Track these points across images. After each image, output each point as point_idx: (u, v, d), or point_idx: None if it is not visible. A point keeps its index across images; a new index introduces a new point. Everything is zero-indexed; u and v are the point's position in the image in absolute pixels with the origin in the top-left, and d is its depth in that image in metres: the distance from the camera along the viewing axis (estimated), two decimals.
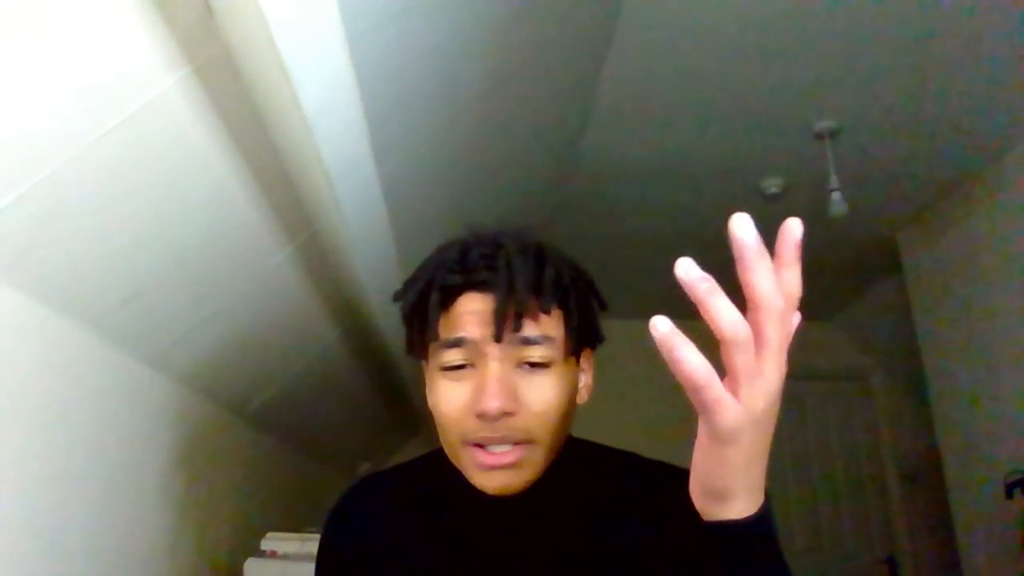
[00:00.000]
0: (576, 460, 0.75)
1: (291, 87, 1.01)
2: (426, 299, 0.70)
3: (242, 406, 2.09)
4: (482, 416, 0.65)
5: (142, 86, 1.00)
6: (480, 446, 0.67)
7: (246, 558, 1.67)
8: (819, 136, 2.51)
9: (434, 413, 0.71)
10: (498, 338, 0.66)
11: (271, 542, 1.73)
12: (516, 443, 0.67)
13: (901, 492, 4.05)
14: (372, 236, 1.65)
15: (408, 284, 0.74)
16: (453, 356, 0.68)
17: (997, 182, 2.69)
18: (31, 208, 0.99)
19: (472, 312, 0.68)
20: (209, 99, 1.11)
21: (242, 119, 1.19)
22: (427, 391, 0.72)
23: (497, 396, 0.65)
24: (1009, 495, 2.49)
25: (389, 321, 2.15)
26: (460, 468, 0.70)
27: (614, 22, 2.02)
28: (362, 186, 1.44)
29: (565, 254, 0.78)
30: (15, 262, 1.04)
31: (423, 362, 0.74)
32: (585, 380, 0.78)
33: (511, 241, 0.72)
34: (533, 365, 0.68)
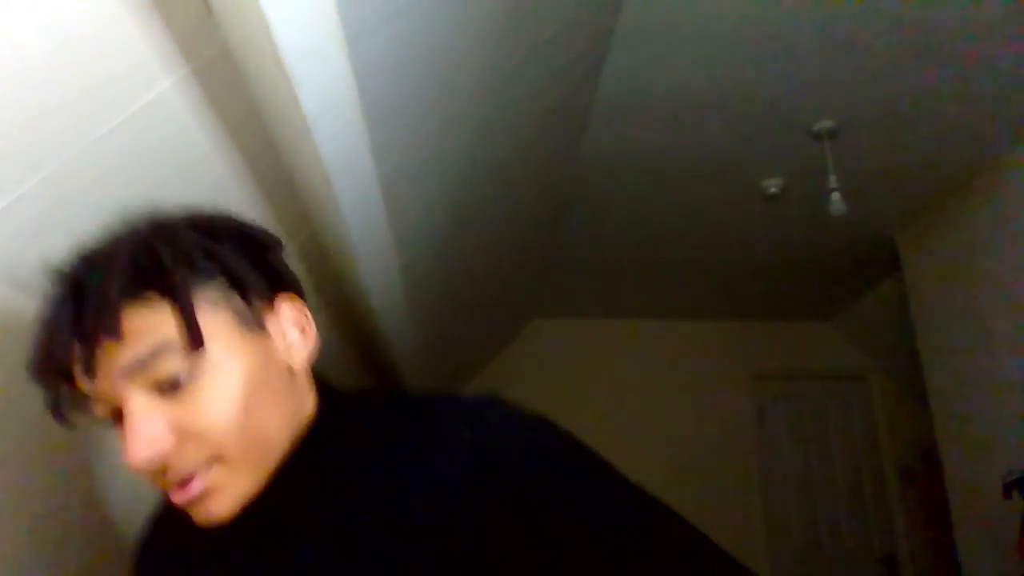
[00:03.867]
0: (323, 435, 0.63)
1: (291, 87, 1.01)
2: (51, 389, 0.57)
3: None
4: (137, 472, 0.54)
5: (142, 86, 1.00)
6: (164, 491, 0.57)
7: None
8: (819, 136, 2.51)
9: None
10: (121, 368, 0.53)
11: None
12: (197, 472, 0.55)
13: (901, 491, 4.05)
14: (371, 236, 1.65)
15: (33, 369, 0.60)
16: (98, 413, 0.56)
17: (997, 182, 2.69)
18: (31, 208, 0.99)
19: (78, 361, 0.55)
20: (209, 99, 1.11)
21: (242, 119, 1.19)
22: None
23: (139, 449, 0.53)
24: (1007, 495, 2.49)
25: (389, 321, 2.15)
26: None
27: (614, 22, 2.02)
28: (362, 186, 1.44)
29: (191, 220, 0.60)
30: (15, 262, 1.04)
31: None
32: (292, 335, 0.62)
33: (71, 278, 0.57)
34: (170, 387, 0.54)
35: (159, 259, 0.55)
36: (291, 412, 0.61)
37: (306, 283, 1.90)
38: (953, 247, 2.94)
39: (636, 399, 4.09)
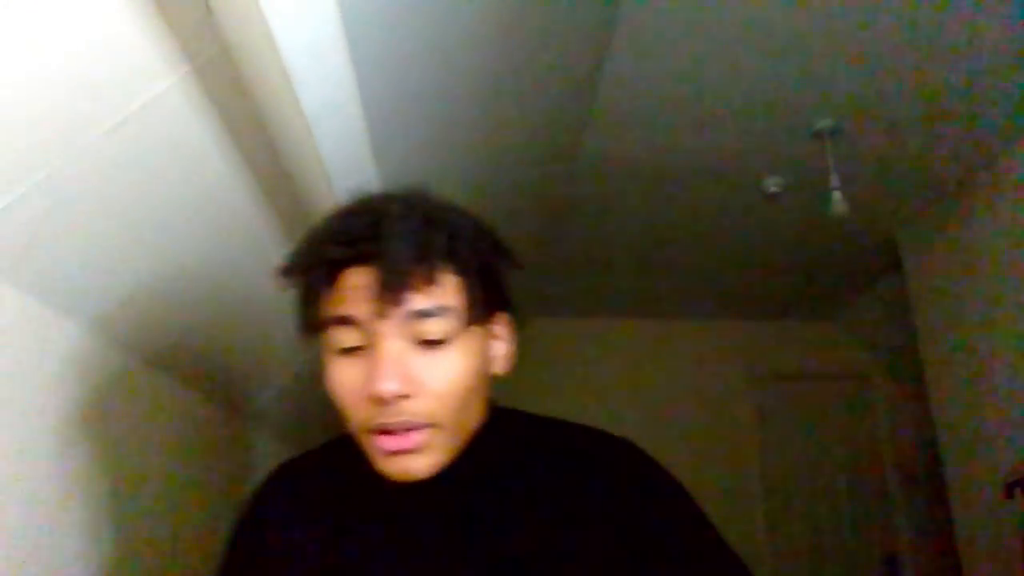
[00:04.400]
0: (498, 434, 0.69)
1: (291, 87, 1.01)
2: (309, 275, 0.64)
3: (243, 405, 2.09)
4: (376, 400, 0.60)
5: (142, 86, 1.00)
6: (382, 432, 0.62)
7: None
8: (819, 136, 2.51)
9: (333, 399, 0.65)
10: (382, 314, 0.60)
11: None
12: (417, 427, 0.61)
13: (901, 492, 4.05)
14: None
15: (291, 259, 0.67)
16: (344, 337, 0.62)
17: (997, 182, 2.69)
18: (31, 208, 0.99)
19: (357, 288, 0.62)
20: (209, 99, 1.11)
21: (242, 119, 1.19)
22: (324, 376, 0.66)
23: (389, 378, 0.59)
24: (1009, 495, 2.48)
25: None
26: (366, 454, 0.65)
27: (614, 22, 2.02)
28: (362, 186, 1.44)
29: (465, 211, 0.70)
30: (15, 262, 1.04)
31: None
32: (503, 348, 0.71)
33: (398, 205, 0.65)
34: (430, 342, 0.62)
35: (464, 242, 0.65)
36: (481, 410, 0.69)
37: None
38: (953, 247, 2.94)
39: (636, 399, 4.09)
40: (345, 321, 0.62)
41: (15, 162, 0.93)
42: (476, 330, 0.66)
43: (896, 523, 4.01)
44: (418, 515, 0.67)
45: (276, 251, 1.61)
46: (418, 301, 0.61)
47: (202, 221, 1.34)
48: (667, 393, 4.12)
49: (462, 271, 0.64)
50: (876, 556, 3.93)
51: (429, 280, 0.61)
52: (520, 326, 0.74)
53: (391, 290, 0.60)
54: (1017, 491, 2.47)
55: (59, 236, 1.08)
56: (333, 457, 0.76)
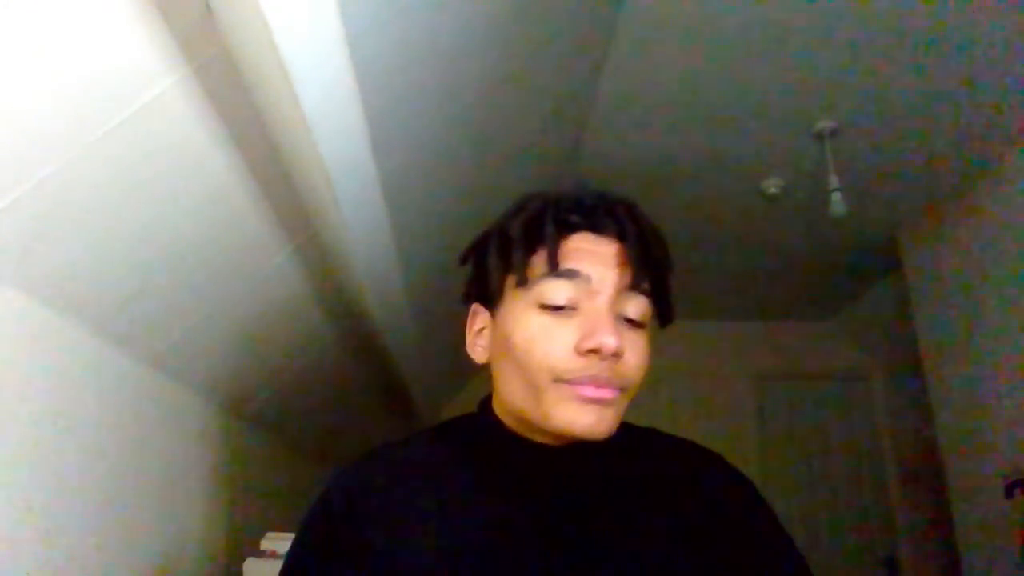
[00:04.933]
0: (624, 431, 0.73)
1: (291, 87, 1.01)
2: (539, 225, 0.67)
3: (242, 406, 2.09)
4: (598, 352, 0.63)
5: (142, 86, 1.00)
6: (587, 383, 0.64)
7: (246, 558, 1.67)
8: (819, 136, 2.51)
9: (522, 350, 0.66)
10: (616, 280, 0.65)
11: (271, 542, 1.73)
12: (617, 387, 0.66)
13: (901, 492, 4.05)
14: (372, 237, 1.65)
15: (508, 215, 0.71)
16: (559, 292, 0.65)
17: (997, 182, 2.69)
18: (31, 208, 0.99)
19: (587, 250, 0.66)
20: (209, 99, 1.11)
21: (242, 119, 1.19)
22: (509, 328, 0.68)
23: (615, 333, 0.63)
24: (1009, 495, 2.49)
25: (389, 321, 2.15)
26: (535, 412, 0.66)
27: (614, 22, 2.02)
28: (362, 186, 1.44)
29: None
30: (15, 263, 1.04)
31: (488, 306, 0.72)
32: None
33: (619, 198, 0.71)
34: (632, 322, 0.67)
35: (662, 251, 0.70)
36: None
37: (306, 283, 1.91)
38: (953, 247, 2.94)
39: (636, 398, 4.08)
40: (570, 275, 0.65)
41: (15, 162, 0.93)
42: (651, 330, 0.71)
43: (896, 523, 4.01)
44: (562, 480, 0.69)
45: (276, 251, 1.61)
46: (643, 281, 0.67)
47: (202, 221, 1.34)
48: (667, 393, 4.12)
49: (661, 275, 0.70)
50: (876, 556, 3.93)
51: (658, 263, 0.68)
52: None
53: (638, 262, 0.66)
54: (1017, 491, 2.47)
55: (59, 236, 1.08)
56: (424, 440, 0.77)
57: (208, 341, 1.66)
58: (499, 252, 0.70)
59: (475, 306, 0.75)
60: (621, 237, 0.67)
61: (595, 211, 0.68)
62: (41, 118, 0.92)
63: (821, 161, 2.53)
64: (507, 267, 0.69)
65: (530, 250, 0.67)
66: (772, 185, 2.84)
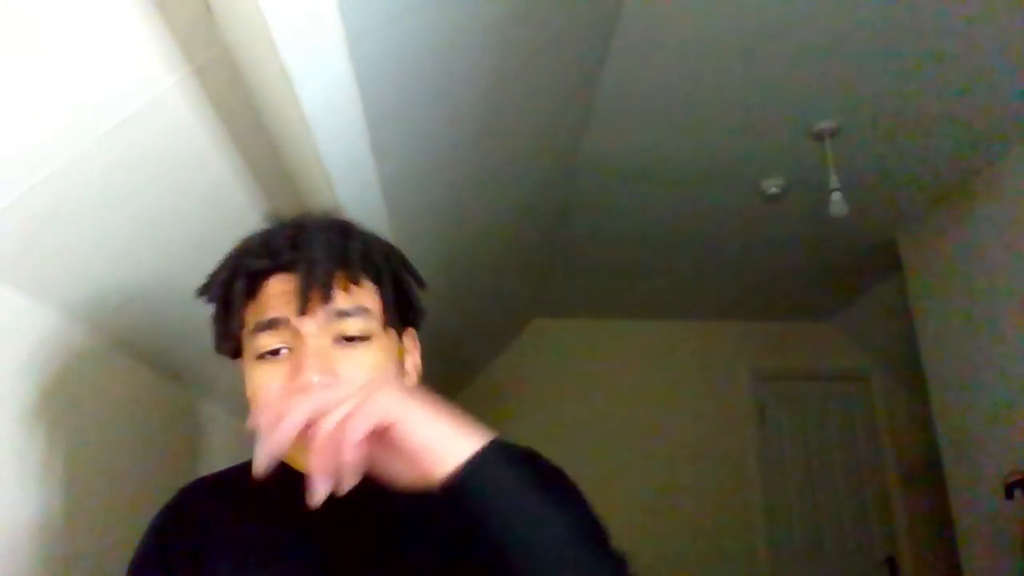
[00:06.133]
0: None
1: (291, 87, 1.01)
2: (231, 287, 0.69)
3: (241, 406, 2.09)
4: (302, 392, 0.61)
5: (142, 86, 1.00)
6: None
7: None
8: (819, 136, 2.51)
9: (253, 403, 0.68)
10: (304, 311, 0.64)
11: None
12: None
13: (901, 492, 4.05)
14: None
15: (212, 277, 0.72)
16: (267, 340, 0.66)
17: (997, 182, 2.69)
18: (31, 208, 0.99)
19: (281, 293, 0.66)
20: (209, 99, 1.11)
21: (242, 119, 1.19)
22: (245, 386, 0.69)
23: (315, 369, 0.62)
24: (1009, 495, 2.49)
25: None
26: (288, 459, 0.66)
27: (614, 22, 2.02)
28: (362, 186, 1.44)
29: (373, 233, 0.76)
30: (15, 262, 1.04)
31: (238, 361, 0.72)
32: (411, 360, 0.76)
33: (314, 222, 0.71)
34: (351, 339, 0.66)
35: (378, 253, 0.72)
36: None
37: None
38: (953, 247, 2.94)
39: (637, 399, 4.09)
40: (270, 325, 0.66)
41: (15, 162, 0.93)
42: (392, 334, 0.71)
43: (896, 523, 4.01)
44: (335, 520, 0.68)
45: None
46: (341, 300, 0.66)
47: (202, 221, 1.34)
48: (667, 393, 4.12)
49: (377, 278, 0.70)
50: (876, 556, 3.93)
51: (351, 280, 0.67)
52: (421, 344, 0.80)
53: (314, 288, 0.65)
54: (1017, 491, 2.47)
55: (59, 236, 1.08)
56: (245, 474, 0.74)
57: (208, 342, 1.66)
58: (215, 320, 0.73)
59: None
60: (309, 267, 0.66)
61: (280, 251, 0.68)
62: (41, 118, 0.92)
63: (821, 161, 2.53)
64: (223, 335, 0.72)
65: (228, 314, 0.69)
66: (772, 185, 2.84)
